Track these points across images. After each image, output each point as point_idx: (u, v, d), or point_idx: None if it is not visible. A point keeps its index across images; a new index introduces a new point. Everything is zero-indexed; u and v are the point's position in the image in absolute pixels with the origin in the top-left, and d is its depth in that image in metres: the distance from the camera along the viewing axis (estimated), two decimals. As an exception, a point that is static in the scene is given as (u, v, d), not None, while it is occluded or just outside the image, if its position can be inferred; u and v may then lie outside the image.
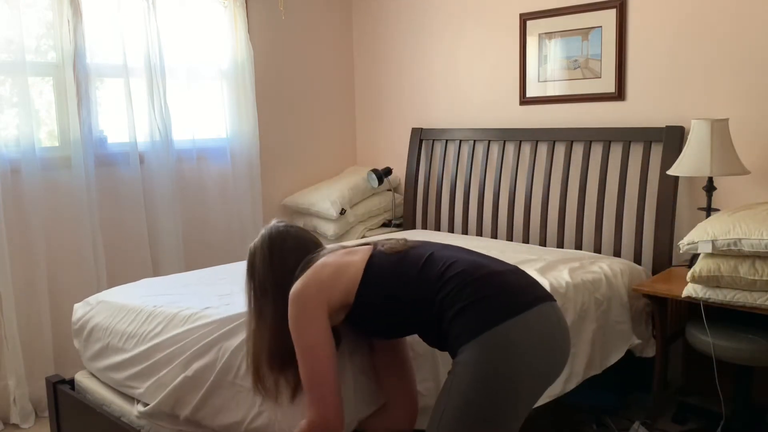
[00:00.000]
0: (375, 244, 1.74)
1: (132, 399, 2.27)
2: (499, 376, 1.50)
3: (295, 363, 1.64)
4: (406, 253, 1.67)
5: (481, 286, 1.56)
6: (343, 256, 1.70)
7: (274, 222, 1.83)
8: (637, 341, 2.79)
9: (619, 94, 3.23)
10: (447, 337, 1.58)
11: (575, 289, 2.55)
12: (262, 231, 1.81)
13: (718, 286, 2.35)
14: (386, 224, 4.22)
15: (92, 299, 2.59)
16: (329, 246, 1.80)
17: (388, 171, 4.11)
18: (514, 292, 1.58)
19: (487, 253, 1.76)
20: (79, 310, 2.59)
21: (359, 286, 1.64)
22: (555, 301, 1.64)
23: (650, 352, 2.83)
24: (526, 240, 3.54)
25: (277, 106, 4.15)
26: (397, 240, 1.75)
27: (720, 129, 2.65)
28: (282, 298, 1.68)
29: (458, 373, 1.52)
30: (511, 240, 3.59)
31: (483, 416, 1.50)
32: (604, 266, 2.81)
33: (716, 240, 2.31)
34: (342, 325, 1.73)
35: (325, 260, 1.69)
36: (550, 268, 2.75)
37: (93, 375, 2.50)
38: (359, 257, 1.68)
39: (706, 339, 2.42)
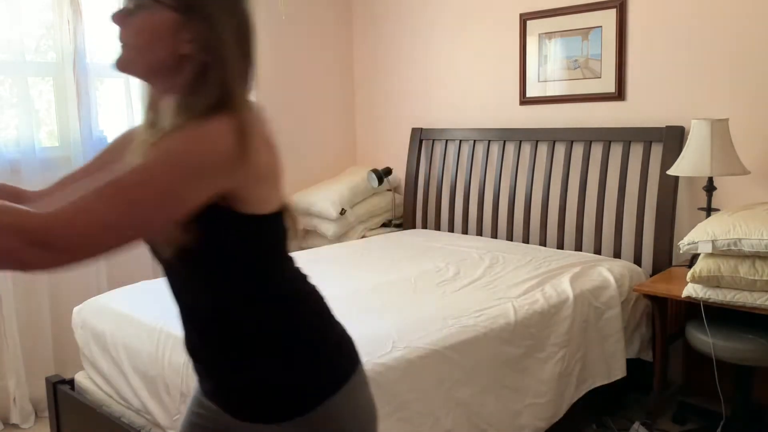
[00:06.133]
0: None
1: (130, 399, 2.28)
2: None
3: None
4: None
5: None
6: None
7: None
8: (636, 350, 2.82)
9: (619, 94, 3.23)
10: None
11: (576, 301, 2.55)
12: None
13: (718, 286, 2.35)
14: (386, 224, 4.22)
15: (93, 302, 2.59)
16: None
17: (388, 171, 4.10)
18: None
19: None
20: (79, 313, 2.59)
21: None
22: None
23: (649, 355, 2.84)
24: (526, 240, 3.54)
25: (277, 106, 4.15)
26: None
27: (720, 129, 2.65)
28: None
29: None
30: (511, 240, 3.59)
31: None
32: (604, 271, 2.81)
33: (716, 240, 2.31)
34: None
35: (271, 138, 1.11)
36: (551, 275, 2.75)
37: (92, 375, 2.50)
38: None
39: (706, 339, 2.42)
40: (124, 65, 1.10)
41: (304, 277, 1.22)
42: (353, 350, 1.23)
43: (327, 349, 1.18)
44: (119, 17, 1.08)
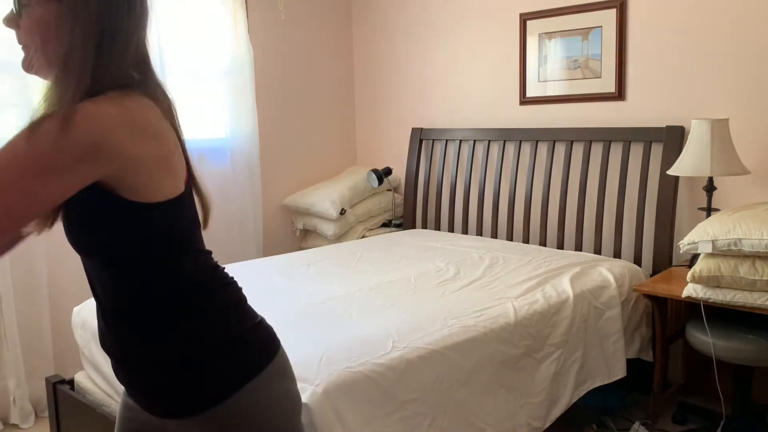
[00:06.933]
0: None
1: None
2: None
3: None
4: None
5: None
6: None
7: None
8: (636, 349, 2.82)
9: (619, 94, 3.23)
10: None
11: (576, 301, 2.55)
12: None
13: (718, 286, 2.35)
14: (386, 224, 4.22)
15: (93, 302, 2.59)
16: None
17: (388, 171, 4.11)
18: None
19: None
20: (79, 313, 2.59)
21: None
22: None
23: (650, 355, 2.84)
24: (526, 240, 3.54)
25: (277, 105, 4.15)
26: None
27: (720, 129, 2.65)
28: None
29: None
30: (511, 240, 3.59)
31: None
32: (604, 271, 2.81)
33: (716, 240, 2.31)
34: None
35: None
36: (551, 275, 2.75)
37: (92, 375, 2.50)
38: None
39: (706, 339, 2.42)
40: (29, 67, 1.09)
41: (213, 267, 1.19)
42: (269, 341, 1.19)
43: (236, 341, 1.14)
44: (10, 20, 1.07)
